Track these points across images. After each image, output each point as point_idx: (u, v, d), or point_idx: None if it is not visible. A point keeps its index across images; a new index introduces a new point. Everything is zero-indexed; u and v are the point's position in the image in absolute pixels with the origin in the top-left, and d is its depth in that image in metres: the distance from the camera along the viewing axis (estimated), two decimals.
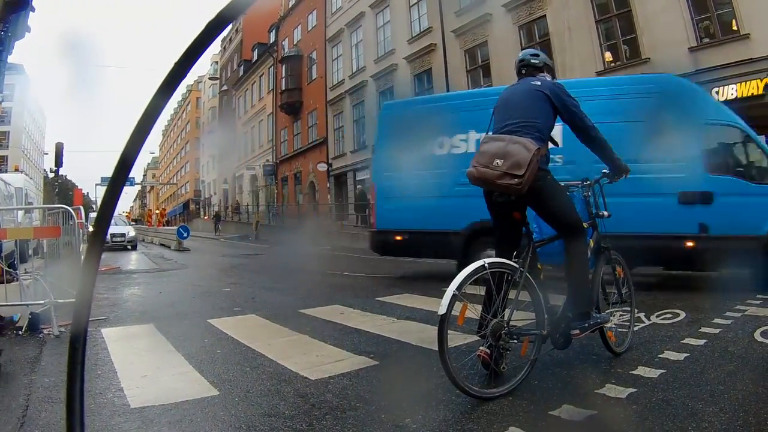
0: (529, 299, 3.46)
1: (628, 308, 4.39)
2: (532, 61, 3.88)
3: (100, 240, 0.94)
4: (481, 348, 3.30)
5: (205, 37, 0.88)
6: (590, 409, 2.93)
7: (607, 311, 3.95)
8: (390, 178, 9.32)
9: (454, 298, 3.10)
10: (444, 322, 3.06)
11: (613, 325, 4.17)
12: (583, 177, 4.14)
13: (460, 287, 3.13)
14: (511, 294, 3.38)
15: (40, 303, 5.56)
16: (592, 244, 3.92)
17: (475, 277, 3.23)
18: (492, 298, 3.30)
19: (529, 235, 3.59)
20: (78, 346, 0.90)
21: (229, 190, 49.93)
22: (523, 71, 3.88)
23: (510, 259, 3.45)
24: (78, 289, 0.92)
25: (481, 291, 3.39)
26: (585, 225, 3.77)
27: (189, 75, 0.92)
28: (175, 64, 0.89)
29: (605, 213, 4.07)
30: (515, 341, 3.38)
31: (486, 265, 3.24)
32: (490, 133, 3.65)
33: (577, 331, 3.49)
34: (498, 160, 3.30)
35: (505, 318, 3.30)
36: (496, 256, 3.54)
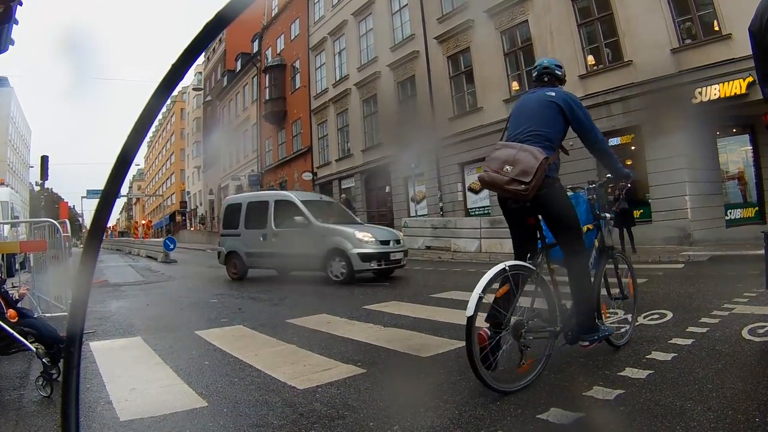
0: (543, 297, 3.64)
1: (631, 302, 4.55)
2: (557, 72, 4.00)
3: (96, 243, 0.94)
4: (482, 328, 3.40)
5: (203, 39, 0.88)
6: (578, 412, 2.95)
7: (609, 319, 4.07)
8: None
9: (480, 300, 3.23)
10: (472, 324, 3.20)
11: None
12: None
13: (485, 289, 3.27)
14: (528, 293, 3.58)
15: None
16: (596, 243, 4.12)
17: (498, 278, 3.39)
18: (511, 297, 3.44)
19: (542, 237, 3.74)
20: (73, 350, 0.90)
21: (215, 201, 49.63)
22: (545, 78, 3.98)
23: (526, 262, 3.62)
24: (73, 293, 0.92)
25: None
26: (591, 226, 4.03)
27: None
28: (173, 65, 0.89)
29: (607, 215, 4.28)
30: (532, 338, 3.50)
31: (507, 267, 3.40)
32: (504, 140, 3.79)
33: (587, 344, 3.69)
34: (508, 167, 3.47)
35: (525, 316, 3.47)
36: (515, 259, 3.68)
